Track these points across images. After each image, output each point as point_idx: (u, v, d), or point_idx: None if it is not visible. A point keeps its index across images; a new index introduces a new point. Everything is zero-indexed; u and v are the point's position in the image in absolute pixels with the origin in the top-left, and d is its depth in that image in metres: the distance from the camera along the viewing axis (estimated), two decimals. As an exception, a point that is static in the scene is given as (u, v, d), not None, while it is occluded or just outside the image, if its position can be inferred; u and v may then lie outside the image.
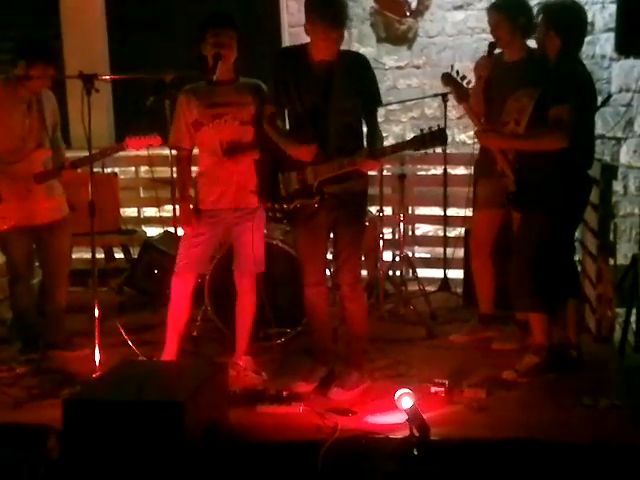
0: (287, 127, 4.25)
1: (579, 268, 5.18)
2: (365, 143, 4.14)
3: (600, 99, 4.59)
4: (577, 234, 5.03)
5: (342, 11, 4.03)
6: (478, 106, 4.78)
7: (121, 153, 6.42)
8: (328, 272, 4.69)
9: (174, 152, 4.59)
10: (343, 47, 4.13)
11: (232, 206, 4.46)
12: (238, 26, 4.41)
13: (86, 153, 4.50)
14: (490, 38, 4.84)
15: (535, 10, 4.51)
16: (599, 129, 5.73)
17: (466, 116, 5.04)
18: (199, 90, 4.46)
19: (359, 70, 4.13)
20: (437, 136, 3.85)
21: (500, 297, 5.01)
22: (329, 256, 4.48)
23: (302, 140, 4.09)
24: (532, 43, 4.66)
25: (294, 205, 4.21)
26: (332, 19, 3.95)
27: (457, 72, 4.74)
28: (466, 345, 4.97)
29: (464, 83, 4.71)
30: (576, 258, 4.95)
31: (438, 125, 3.90)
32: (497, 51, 4.82)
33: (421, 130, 3.88)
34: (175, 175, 4.67)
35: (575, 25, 4.31)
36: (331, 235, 4.31)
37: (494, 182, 4.74)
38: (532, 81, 4.50)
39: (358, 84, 4.09)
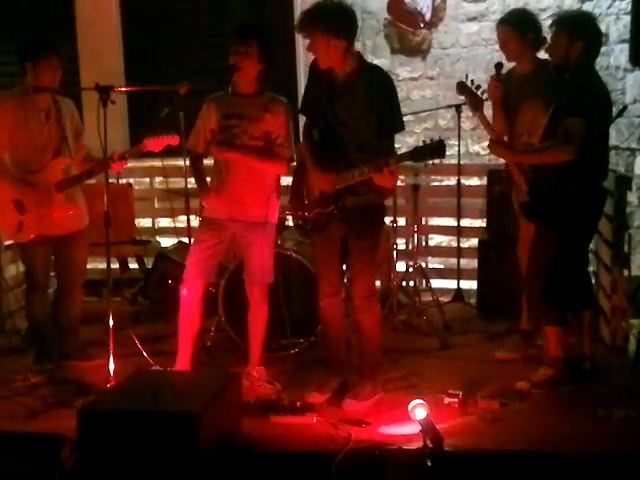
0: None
1: (593, 279, 5.16)
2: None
3: (615, 110, 4.59)
4: (591, 245, 5.02)
5: (305, 18, 4.05)
6: (501, 126, 4.77)
7: (136, 164, 6.54)
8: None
9: (188, 162, 4.62)
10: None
11: (231, 218, 4.48)
12: (265, 39, 4.38)
13: (101, 163, 4.54)
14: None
15: (552, 21, 4.50)
16: (613, 140, 5.73)
17: (480, 127, 5.04)
18: (222, 99, 4.48)
19: (377, 90, 4.06)
20: (436, 148, 3.83)
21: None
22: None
23: (324, 168, 4.12)
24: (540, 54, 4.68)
25: (313, 213, 4.24)
26: (298, 28, 4.07)
27: (472, 81, 4.75)
28: (480, 357, 4.96)
29: (479, 93, 4.72)
30: (590, 269, 4.94)
31: (439, 137, 3.90)
32: (510, 65, 4.82)
33: (423, 142, 3.88)
34: (191, 180, 4.69)
35: (599, 36, 4.34)
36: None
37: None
38: (543, 92, 4.51)
39: (373, 104, 4.04)
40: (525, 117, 4.64)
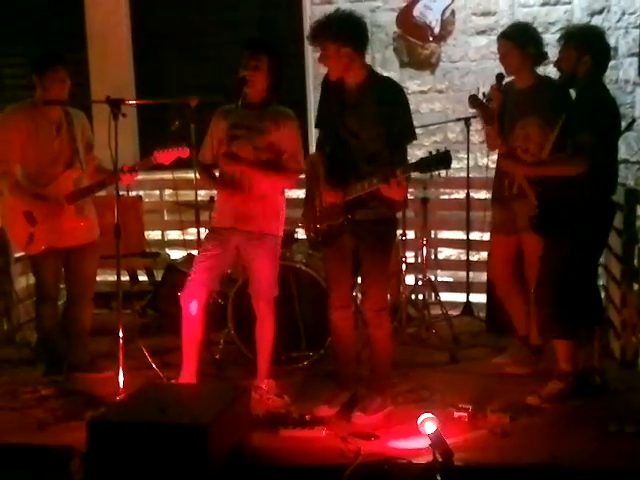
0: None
1: (603, 293, 5.15)
2: None
3: (624, 124, 4.59)
4: (601, 259, 5.01)
5: (317, 27, 4.09)
6: (495, 136, 4.78)
7: (146, 176, 6.56)
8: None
9: (198, 173, 4.64)
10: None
11: (233, 227, 4.49)
12: (275, 54, 4.43)
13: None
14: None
15: (560, 35, 4.50)
16: (623, 154, 5.71)
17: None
18: (231, 111, 4.51)
19: (388, 101, 4.08)
20: (442, 159, 3.82)
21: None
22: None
23: (334, 185, 4.14)
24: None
25: (324, 225, 4.25)
26: (310, 38, 4.11)
27: (483, 94, 4.76)
28: (490, 371, 4.95)
29: (490, 105, 4.73)
30: (600, 283, 4.93)
31: (445, 147, 3.91)
32: (508, 79, 4.84)
33: (430, 153, 3.88)
34: (201, 193, 4.72)
35: (608, 50, 4.36)
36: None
37: (505, 208, 4.78)
38: (541, 109, 4.52)
39: (384, 115, 4.05)
40: (519, 133, 4.66)
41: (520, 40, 4.69)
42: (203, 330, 4.57)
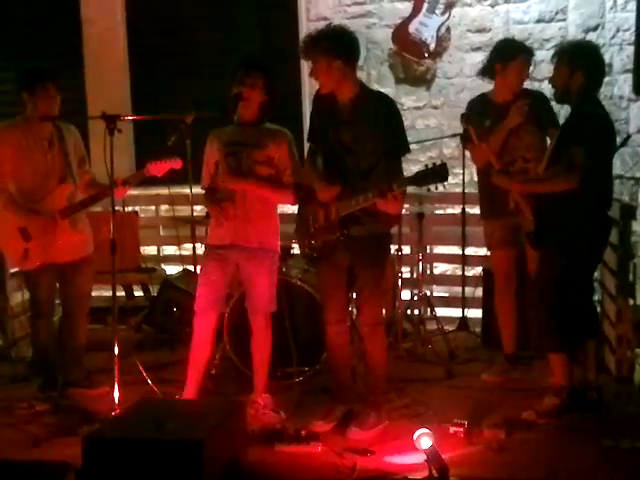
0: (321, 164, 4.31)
1: (598, 308, 5.16)
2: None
3: (619, 140, 4.61)
4: (596, 274, 5.02)
5: (308, 41, 4.12)
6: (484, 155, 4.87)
7: (142, 192, 6.58)
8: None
9: (195, 191, 4.64)
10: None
11: (232, 244, 4.49)
12: (270, 72, 4.45)
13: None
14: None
15: (554, 52, 4.53)
16: (617, 169, 5.75)
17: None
18: (223, 132, 4.55)
19: (381, 114, 4.10)
20: (438, 172, 3.82)
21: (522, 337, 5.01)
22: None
23: (330, 180, 4.15)
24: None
25: (319, 241, 4.25)
26: (302, 52, 4.15)
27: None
28: (487, 385, 4.95)
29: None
30: (595, 298, 4.94)
31: (441, 160, 3.92)
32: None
33: (425, 166, 3.88)
34: (197, 208, 4.73)
35: (601, 66, 4.38)
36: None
37: (507, 222, 4.80)
38: (535, 119, 4.64)
39: (378, 129, 4.08)
40: (517, 144, 4.75)
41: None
42: (211, 351, 4.60)
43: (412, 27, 6.76)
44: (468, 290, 6.18)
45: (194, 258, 4.90)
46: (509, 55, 4.81)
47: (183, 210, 6.03)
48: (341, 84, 4.11)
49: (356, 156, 4.13)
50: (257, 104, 4.44)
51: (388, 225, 4.25)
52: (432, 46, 6.78)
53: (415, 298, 5.91)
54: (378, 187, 3.93)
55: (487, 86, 5.12)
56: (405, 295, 5.88)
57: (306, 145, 4.47)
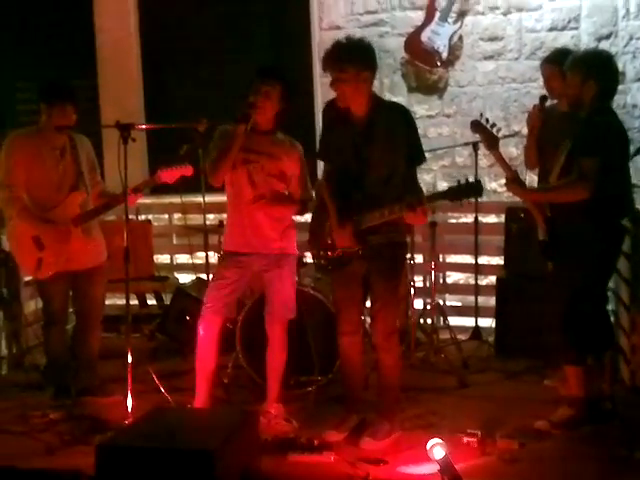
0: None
1: (612, 318, 5.13)
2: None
3: (632, 148, 4.59)
4: (610, 284, 5.00)
5: (338, 50, 4.09)
6: (533, 157, 4.91)
7: (155, 200, 6.60)
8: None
9: (207, 199, 4.66)
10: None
11: (254, 251, 4.49)
12: (287, 82, 4.44)
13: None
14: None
15: (567, 61, 4.53)
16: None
17: (497, 164, 5.06)
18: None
19: (397, 124, 4.11)
20: (473, 188, 3.87)
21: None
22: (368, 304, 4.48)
23: (343, 219, 4.15)
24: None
25: (337, 252, 4.23)
26: (329, 61, 4.10)
27: (487, 120, 4.78)
28: (499, 396, 4.93)
29: (494, 131, 4.75)
30: (609, 308, 4.91)
31: (475, 177, 3.92)
32: (551, 102, 4.93)
33: (458, 181, 3.90)
34: (209, 217, 4.71)
35: (615, 75, 4.37)
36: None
37: None
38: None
39: (394, 139, 4.08)
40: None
41: (563, 65, 4.75)
42: (217, 357, 4.57)
43: (424, 36, 6.77)
44: (481, 299, 6.16)
45: (207, 266, 4.91)
46: None
47: (196, 219, 6.06)
48: (361, 95, 4.10)
49: (376, 168, 4.12)
50: (271, 114, 4.44)
51: (404, 234, 4.26)
52: (444, 55, 6.78)
53: (428, 307, 5.90)
54: (408, 201, 3.94)
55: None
56: (418, 304, 5.87)
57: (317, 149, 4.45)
